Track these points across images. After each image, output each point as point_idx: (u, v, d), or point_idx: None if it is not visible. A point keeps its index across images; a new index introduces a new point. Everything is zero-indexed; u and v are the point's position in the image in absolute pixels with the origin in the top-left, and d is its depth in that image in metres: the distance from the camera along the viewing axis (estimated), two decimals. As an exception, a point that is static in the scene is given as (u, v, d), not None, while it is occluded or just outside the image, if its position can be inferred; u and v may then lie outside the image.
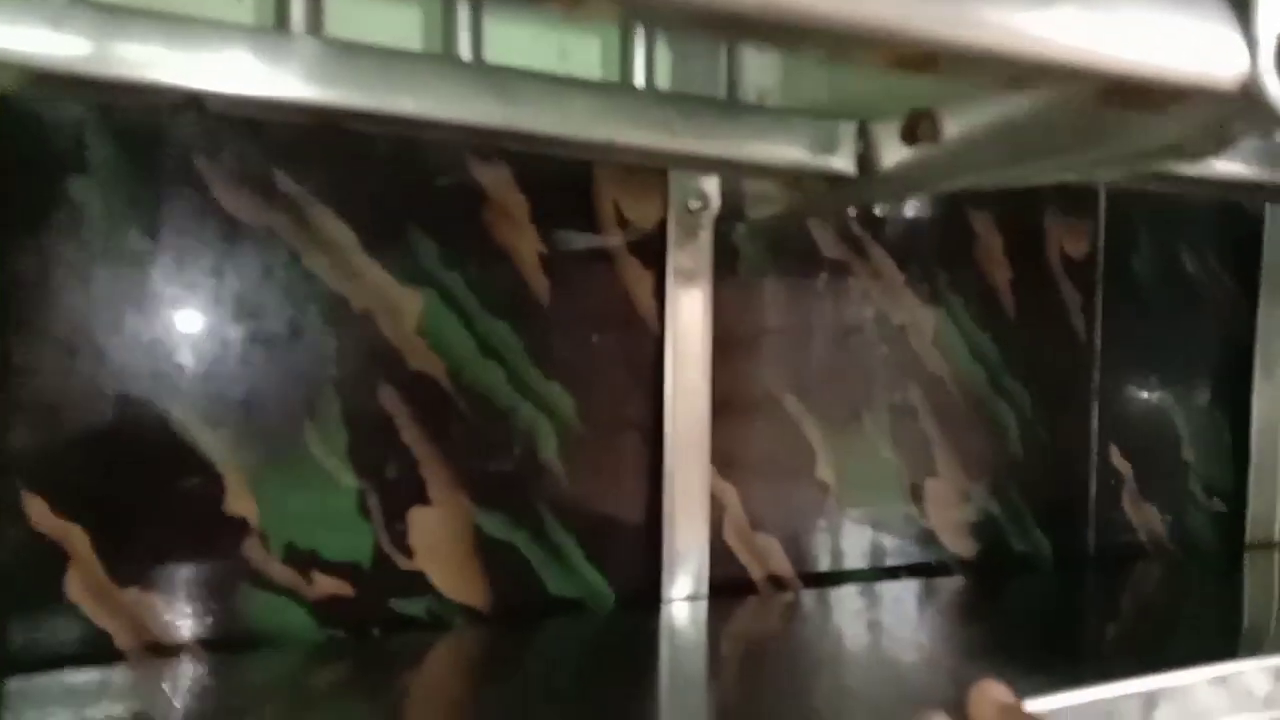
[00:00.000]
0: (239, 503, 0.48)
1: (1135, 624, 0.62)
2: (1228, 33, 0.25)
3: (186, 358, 0.47)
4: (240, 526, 0.48)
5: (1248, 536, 0.80)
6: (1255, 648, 0.54)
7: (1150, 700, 0.47)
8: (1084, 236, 0.71)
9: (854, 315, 0.63)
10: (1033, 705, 0.41)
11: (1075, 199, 0.70)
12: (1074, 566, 0.72)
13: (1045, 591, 0.68)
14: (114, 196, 0.45)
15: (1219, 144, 0.29)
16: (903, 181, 0.42)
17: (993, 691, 0.38)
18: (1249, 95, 0.25)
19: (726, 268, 0.59)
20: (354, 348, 0.50)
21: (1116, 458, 0.74)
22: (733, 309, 0.59)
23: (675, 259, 0.57)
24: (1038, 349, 0.70)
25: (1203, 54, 0.25)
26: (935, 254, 0.66)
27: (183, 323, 0.47)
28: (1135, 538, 0.75)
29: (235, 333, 0.48)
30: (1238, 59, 0.25)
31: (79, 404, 0.45)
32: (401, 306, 0.51)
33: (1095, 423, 0.73)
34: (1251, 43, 0.25)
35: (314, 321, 0.49)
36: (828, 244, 0.62)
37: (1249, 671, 0.50)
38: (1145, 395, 0.75)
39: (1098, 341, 0.72)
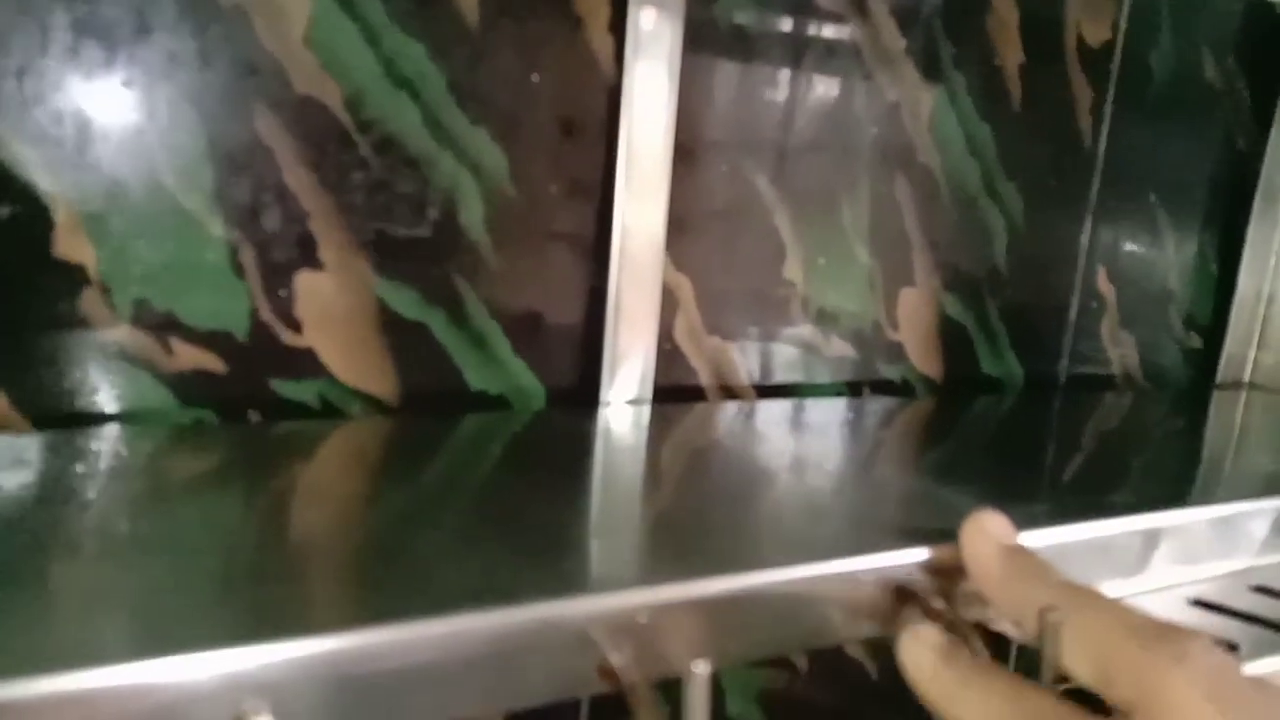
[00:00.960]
0: (72, 245, 0.37)
1: (1106, 457, 0.57)
2: None
3: (-10, 46, 0.35)
4: (74, 274, 0.37)
5: (1219, 376, 0.75)
6: (1208, 492, 0.49)
7: (1151, 539, 0.41)
8: (1105, 22, 0.62)
9: (844, 84, 0.53)
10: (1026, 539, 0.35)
11: (1103, -24, 0.61)
12: (1043, 393, 0.66)
13: (1014, 416, 0.62)
14: None
15: None
16: None
17: (990, 525, 0.31)
18: None
19: (701, 20, 0.48)
20: (222, 55, 0.38)
21: (1102, 281, 0.67)
22: (707, 57, 0.49)
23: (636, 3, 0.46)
24: (1039, 148, 0.61)
25: None
26: (944, 20, 0.55)
27: (-18, -4, 0.35)
28: (1108, 369, 0.70)
29: (61, 19, 0.36)
30: None
31: None
32: (286, 7, 0.39)
33: (1086, 239, 0.65)
34: None
35: (168, 15, 0.37)
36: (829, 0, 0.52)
37: (1249, 512, 0.45)
38: (1140, 215, 0.68)
39: (1102, 147, 0.64)
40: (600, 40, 0.46)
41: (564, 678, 0.29)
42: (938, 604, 0.32)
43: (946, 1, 0.55)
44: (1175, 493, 0.45)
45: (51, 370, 0.38)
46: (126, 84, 0.37)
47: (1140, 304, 0.70)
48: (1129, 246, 0.68)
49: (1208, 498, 0.44)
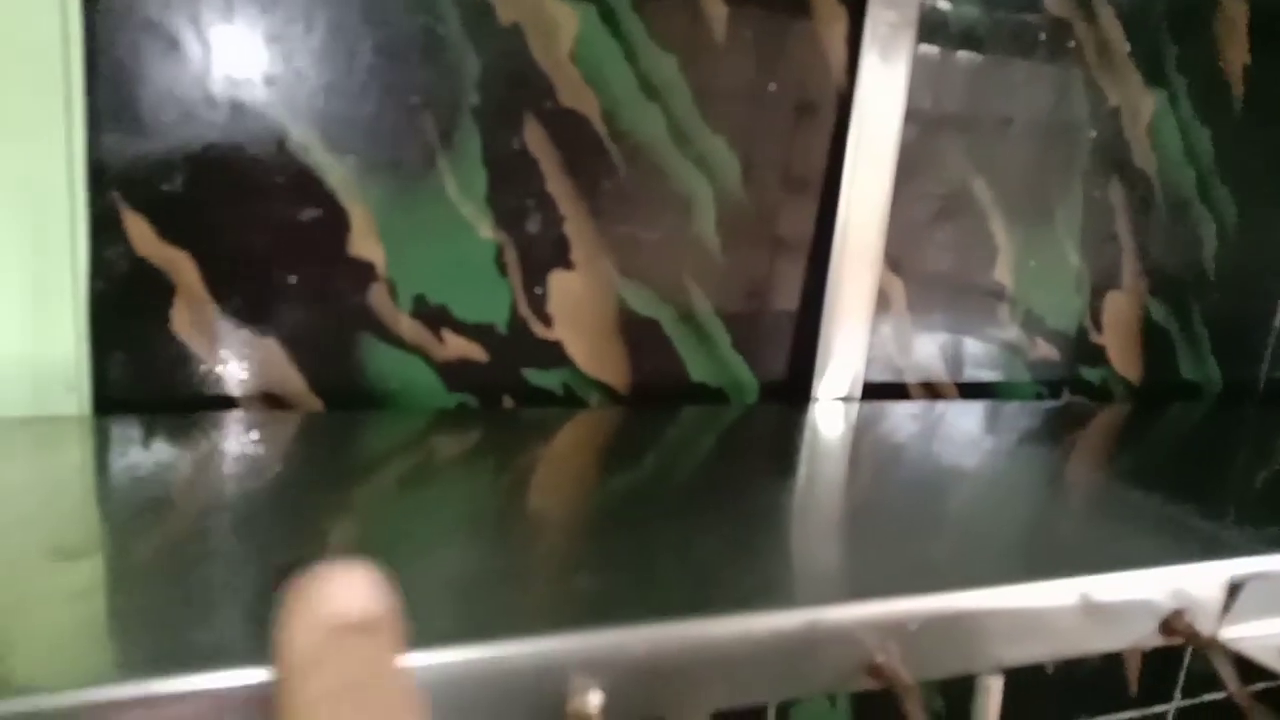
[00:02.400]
0: (365, 244, 0.41)
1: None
2: None
3: (306, 66, 0.39)
4: (366, 272, 0.41)
5: None
6: None
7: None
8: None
9: (1066, 89, 0.53)
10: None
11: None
12: (1241, 402, 0.65)
13: (1210, 426, 0.61)
14: None
15: None
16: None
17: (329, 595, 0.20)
18: None
19: (934, 22, 0.49)
20: (498, 70, 0.42)
21: (1313, 286, 0.65)
22: (934, 71, 0.50)
23: (877, 8, 0.47)
24: (1257, 154, 0.60)
25: None
26: (1170, 21, 0.54)
27: (302, 22, 0.38)
28: (1310, 376, 0.68)
29: (363, 41, 0.39)
30: None
31: (182, 110, 0.37)
32: (557, 22, 0.42)
33: (1301, 244, 0.63)
34: None
35: (454, 33, 0.41)
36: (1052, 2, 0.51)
37: None
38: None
39: (1326, 150, 0.62)
40: (837, 56, 0.47)
41: (835, 673, 0.31)
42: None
43: (1173, 2, 0.54)
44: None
45: (343, 356, 0.42)
46: (416, 99, 0.40)
47: (1350, 310, 0.67)
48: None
49: None
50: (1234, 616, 0.37)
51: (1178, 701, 0.72)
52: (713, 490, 0.39)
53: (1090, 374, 0.59)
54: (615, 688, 0.28)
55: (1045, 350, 0.57)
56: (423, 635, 0.25)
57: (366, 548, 0.31)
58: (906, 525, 0.38)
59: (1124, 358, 0.60)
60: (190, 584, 0.27)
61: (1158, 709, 0.71)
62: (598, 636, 0.28)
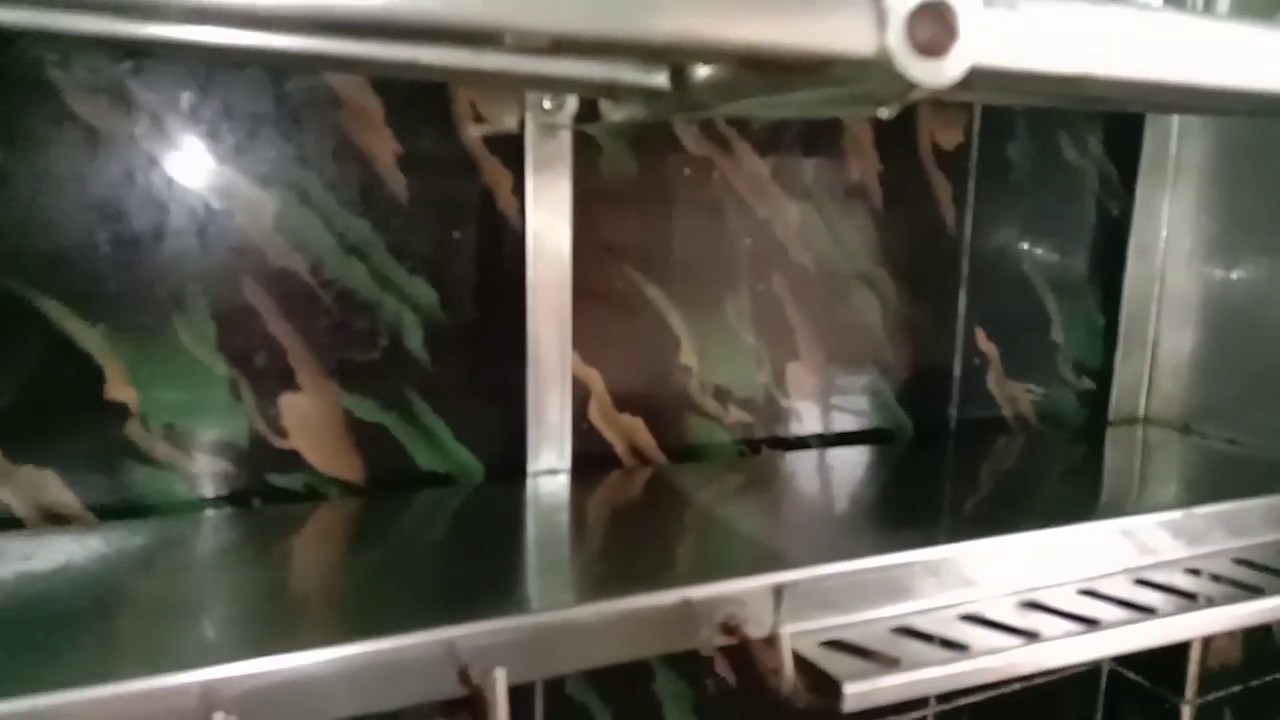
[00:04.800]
0: (119, 390, 0.53)
1: (966, 491, 0.68)
2: (862, 10, 0.28)
3: (58, 256, 0.51)
4: (121, 411, 0.53)
5: (1112, 413, 0.85)
6: (1089, 513, 0.60)
7: (931, 568, 0.53)
8: (957, 127, 0.73)
9: (717, 209, 0.66)
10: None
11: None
12: (935, 440, 0.78)
13: (897, 462, 0.73)
14: (-30, 109, 0.48)
15: (882, 103, 0.32)
16: (701, 97, 0.45)
17: None
18: (883, 66, 0.28)
19: (588, 165, 0.62)
20: (214, 246, 0.54)
21: (983, 340, 0.78)
22: (594, 204, 0.63)
23: (534, 157, 0.60)
24: (904, 239, 0.73)
25: (839, 29, 0.28)
26: (802, 148, 0.68)
27: (51, 225, 0.50)
28: (999, 413, 0.81)
29: (102, 232, 0.51)
30: (872, 33, 0.28)
31: (-41, 302, 0.49)
32: (259, 207, 0.54)
33: (962, 307, 0.77)
34: (883, 16, 0.28)
35: (173, 220, 0.53)
36: (691, 141, 0.65)
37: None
38: (1016, 280, 0.79)
39: (968, 230, 0.76)
40: (507, 200, 0.60)
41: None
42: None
43: (804, 129, 0.68)
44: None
45: (109, 479, 0.53)
46: (150, 274, 0.52)
47: (1026, 356, 0.80)
48: (1007, 309, 0.79)
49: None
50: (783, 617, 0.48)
51: (934, 708, 0.83)
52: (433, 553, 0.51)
53: (785, 429, 0.72)
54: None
55: (738, 415, 0.70)
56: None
57: (143, 620, 0.42)
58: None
59: (815, 416, 0.72)
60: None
61: (914, 715, 0.82)
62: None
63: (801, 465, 0.69)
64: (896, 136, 0.71)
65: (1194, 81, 0.37)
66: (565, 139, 0.60)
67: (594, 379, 0.65)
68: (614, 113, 0.59)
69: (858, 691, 0.44)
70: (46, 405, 0.52)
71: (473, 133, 0.59)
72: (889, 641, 0.49)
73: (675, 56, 0.31)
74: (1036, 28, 0.32)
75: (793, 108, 0.42)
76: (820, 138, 0.69)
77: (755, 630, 0.48)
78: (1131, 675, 0.89)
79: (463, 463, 0.62)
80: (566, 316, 0.62)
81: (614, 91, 0.51)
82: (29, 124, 0.49)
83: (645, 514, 0.60)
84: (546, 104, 0.59)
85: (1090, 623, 0.52)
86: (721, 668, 0.73)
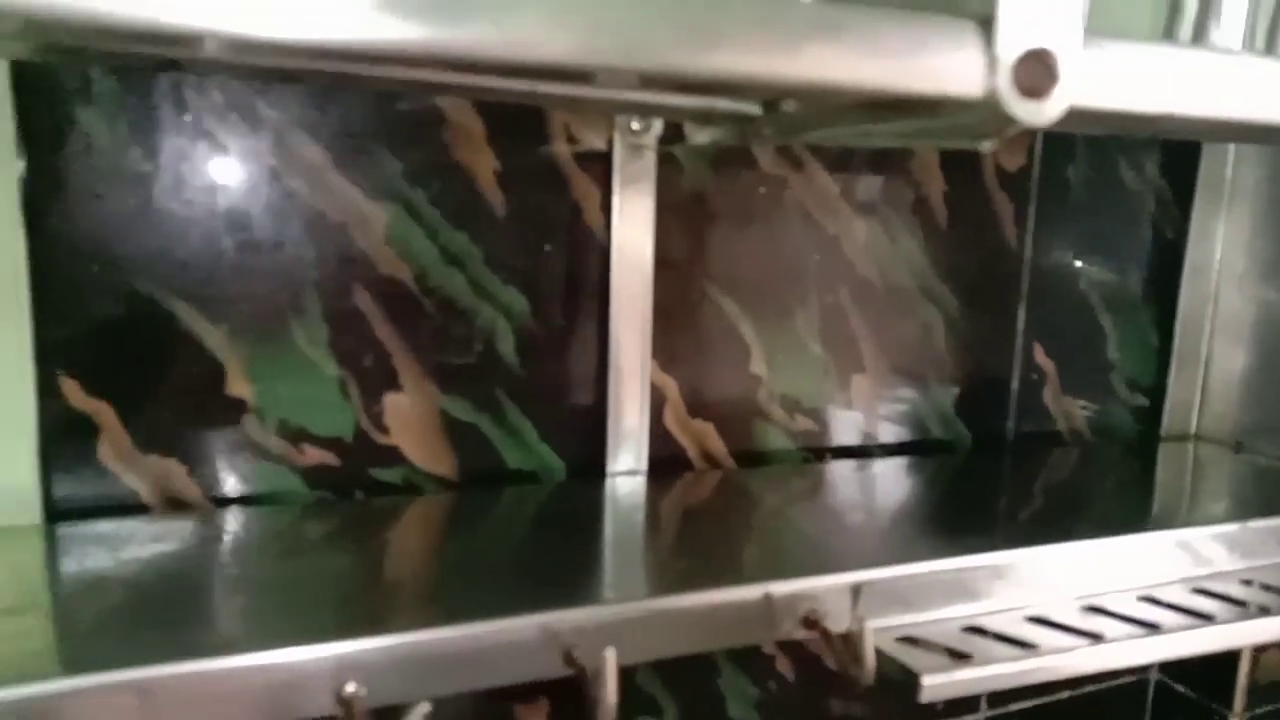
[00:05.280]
0: (238, 387, 0.57)
1: (1024, 501, 0.70)
2: (974, 55, 0.32)
3: (187, 261, 0.55)
4: (240, 406, 0.57)
5: (1164, 429, 0.87)
6: (1142, 523, 0.63)
7: (996, 572, 0.56)
8: (1020, 150, 0.76)
9: (789, 225, 0.70)
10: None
11: (1013, 115, 0.75)
12: (992, 452, 0.80)
13: (957, 472, 0.76)
14: (120, 127, 0.52)
15: (982, 139, 0.35)
16: (794, 124, 0.48)
17: None
18: (990, 106, 0.32)
19: (670, 182, 0.65)
20: (330, 255, 0.58)
21: (1040, 356, 0.81)
22: (675, 219, 0.66)
23: (621, 175, 0.64)
24: (967, 256, 0.76)
25: (951, 73, 0.31)
26: (871, 168, 0.71)
27: (184, 232, 0.55)
28: (1054, 427, 0.83)
29: (229, 242, 0.56)
30: (982, 77, 0.32)
31: (98, 307, 0.53)
32: (370, 219, 0.58)
33: (1021, 323, 0.79)
34: (993, 62, 0.31)
35: (293, 230, 0.57)
36: (767, 161, 0.68)
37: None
38: (1073, 298, 0.81)
39: (1028, 248, 0.78)
40: (594, 216, 0.64)
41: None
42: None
43: (873, 151, 0.71)
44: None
45: (230, 469, 0.57)
46: (271, 280, 0.57)
47: (1081, 372, 0.83)
48: (1065, 326, 0.81)
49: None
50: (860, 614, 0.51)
51: (985, 712, 0.85)
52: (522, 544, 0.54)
53: (849, 438, 0.75)
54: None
55: (804, 423, 0.73)
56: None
57: (266, 593, 0.46)
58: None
59: (878, 426, 0.75)
60: (92, 619, 0.42)
61: (965, 719, 0.84)
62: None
63: (865, 473, 0.72)
64: (961, 158, 0.74)
65: (1265, 119, 0.40)
66: (650, 158, 0.64)
67: (670, 386, 0.68)
68: (698, 135, 0.62)
69: (935, 683, 0.47)
70: (173, 398, 0.56)
71: (565, 152, 0.63)
72: (960, 639, 0.52)
73: (797, 98, 0.34)
74: (1127, 70, 0.35)
75: (886, 137, 0.45)
76: (888, 158, 0.72)
77: (834, 625, 0.51)
78: (1180, 688, 0.90)
79: (546, 462, 0.66)
80: (647, 326, 0.66)
81: (709, 117, 0.54)
82: (169, 141, 0.54)
83: (718, 514, 0.63)
84: (635, 125, 0.62)
85: (1151, 627, 0.54)
86: (783, 666, 0.76)
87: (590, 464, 0.67)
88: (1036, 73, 0.32)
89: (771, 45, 0.30)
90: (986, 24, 0.31)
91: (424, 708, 0.41)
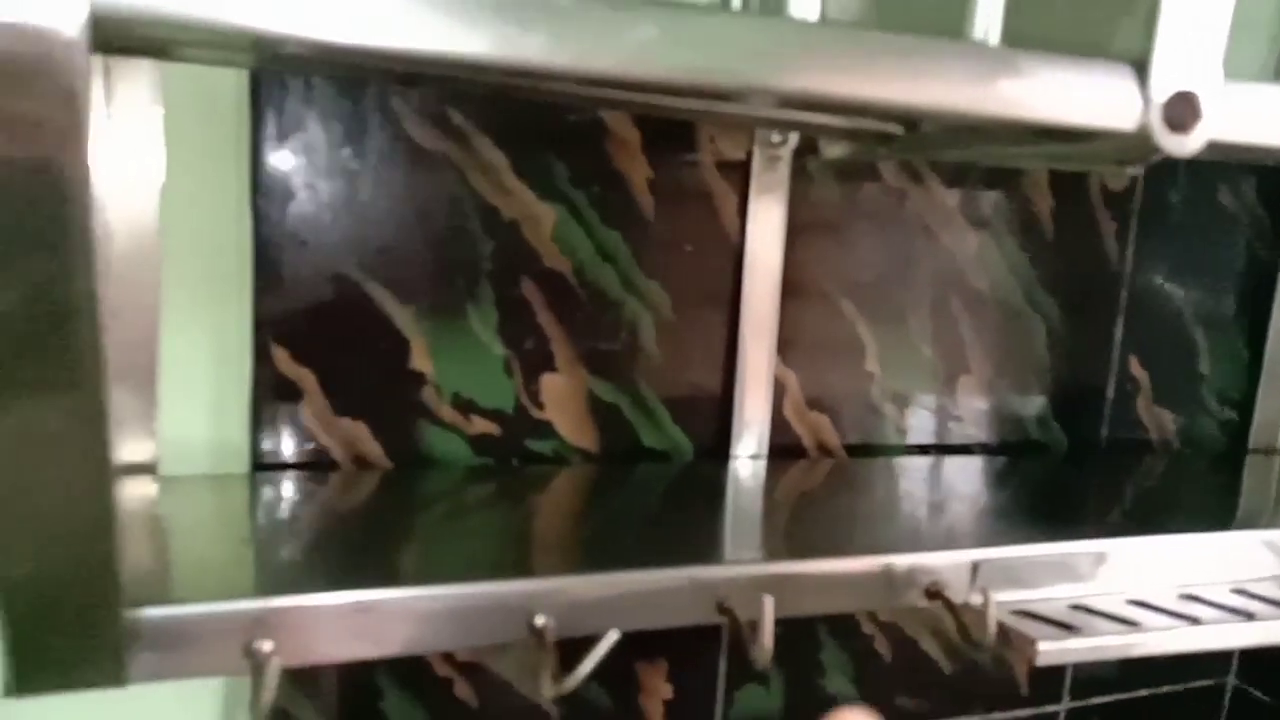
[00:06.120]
0: (420, 362, 0.64)
1: (1118, 500, 0.75)
2: (1131, 94, 0.37)
3: (383, 249, 0.62)
4: (420, 378, 0.64)
5: (1251, 441, 0.91)
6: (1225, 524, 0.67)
7: (1099, 558, 0.61)
8: (1125, 174, 0.81)
9: (907, 234, 0.75)
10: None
11: (1119, 138, 0.80)
12: (1086, 456, 0.85)
13: (1053, 472, 0.81)
14: (336, 129, 0.60)
15: (1131, 164, 0.41)
16: (932, 143, 0.54)
17: None
18: (1140, 138, 0.37)
19: (801, 192, 0.72)
20: (503, 248, 0.65)
21: (1135, 367, 0.85)
22: (804, 226, 0.72)
23: (757, 184, 0.70)
24: (1070, 269, 0.81)
25: (1109, 109, 0.37)
26: (985, 183, 0.76)
27: (382, 223, 0.62)
28: (1146, 436, 0.87)
29: (419, 233, 0.63)
30: (1137, 113, 0.37)
31: (308, 284, 0.61)
32: (540, 217, 0.65)
33: (1118, 335, 0.84)
34: (1146, 101, 0.37)
35: (474, 225, 0.64)
36: (890, 174, 0.74)
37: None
38: (1168, 313, 0.86)
39: (1129, 264, 0.83)
40: (731, 220, 0.70)
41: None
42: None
43: (987, 170, 0.76)
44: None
45: (406, 432, 0.65)
46: (452, 268, 0.64)
47: (1173, 384, 0.87)
48: (1159, 339, 0.86)
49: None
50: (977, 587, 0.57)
51: (1066, 704, 0.90)
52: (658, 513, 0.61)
53: (951, 435, 0.80)
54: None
55: (912, 419, 0.78)
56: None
57: (439, 542, 0.53)
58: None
59: (979, 426, 0.80)
60: (295, 551, 0.49)
61: (1049, 709, 0.89)
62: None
63: (968, 467, 0.77)
64: (1069, 177, 0.79)
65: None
66: (784, 169, 0.70)
67: (790, 379, 0.74)
68: (832, 150, 0.68)
69: (1050, 650, 0.52)
70: (364, 369, 0.63)
71: (709, 161, 0.69)
72: (1068, 615, 0.57)
73: (962, 126, 0.40)
74: (1257, 109, 0.40)
75: (1023, 159, 0.51)
76: (1001, 176, 0.77)
77: (954, 597, 0.57)
78: (1257, 693, 0.94)
79: (677, 442, 0.72)
80: (773, 323, 0.72)
81: (849, 134, 0.60)
82: (374, 143, 0.61)
83: (835, 496, 0.69)
84: (775, 138, 0.68)
85: (1245, 615, 0.59)
86: (880, 645, 0.81)
87: (715, 446, 0.73)
88: (1183, 111, 0.37)
89: (961, 82, 0.36)
90: (1141, 67, 0.37)
91: (613, 635, 0.48)
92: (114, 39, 0.31)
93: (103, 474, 0.36)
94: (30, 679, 0.42)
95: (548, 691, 0.47)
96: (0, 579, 0.38)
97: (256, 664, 0.44)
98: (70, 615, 0.41)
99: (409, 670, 0.67)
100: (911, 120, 0.48)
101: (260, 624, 0.45)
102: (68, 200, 0.28)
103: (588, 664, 0.47)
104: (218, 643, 0.44)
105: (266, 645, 0.44)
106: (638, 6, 0.30)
